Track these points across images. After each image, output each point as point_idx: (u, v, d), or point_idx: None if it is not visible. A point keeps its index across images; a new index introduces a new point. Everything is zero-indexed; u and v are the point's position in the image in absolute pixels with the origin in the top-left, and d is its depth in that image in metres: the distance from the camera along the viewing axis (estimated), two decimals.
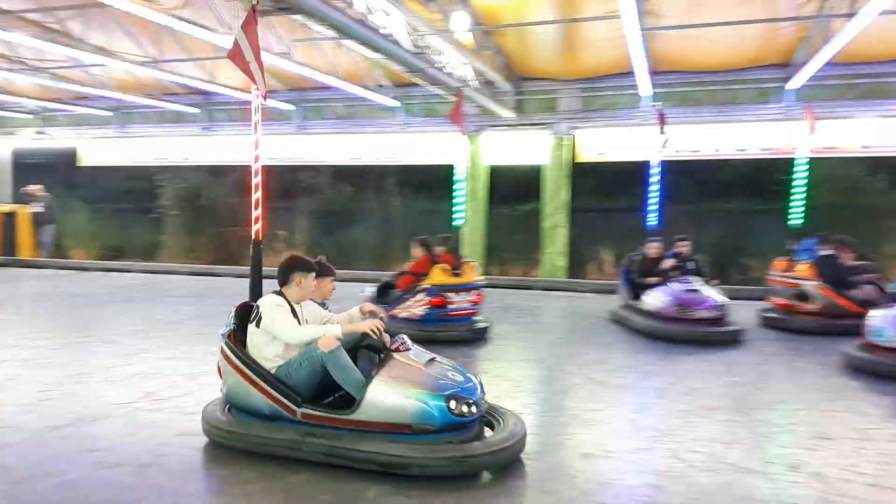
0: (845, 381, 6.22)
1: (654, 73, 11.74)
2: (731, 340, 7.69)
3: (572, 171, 13.62)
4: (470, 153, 13.82)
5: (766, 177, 13.27)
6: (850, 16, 7.67)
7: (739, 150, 12.55)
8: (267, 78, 13.65)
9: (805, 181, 9.71)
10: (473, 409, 3.92)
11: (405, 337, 4.34)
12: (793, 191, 9.76)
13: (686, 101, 12.33)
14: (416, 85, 10.96)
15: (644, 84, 10.95)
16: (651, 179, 9.71)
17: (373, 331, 4.16)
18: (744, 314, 9.19)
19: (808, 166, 9.74)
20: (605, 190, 20.23)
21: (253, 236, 4.95)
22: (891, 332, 6.37)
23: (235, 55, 4.74)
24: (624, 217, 17.10)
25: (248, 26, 4.73)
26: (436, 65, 9.84)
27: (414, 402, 3.83)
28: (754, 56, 11.38)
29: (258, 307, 4.20)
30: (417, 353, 4.24)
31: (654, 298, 8.20)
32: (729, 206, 15.45)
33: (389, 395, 3.87)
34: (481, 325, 7.99)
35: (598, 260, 14.64)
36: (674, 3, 9.41)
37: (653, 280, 8.55)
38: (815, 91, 11.64)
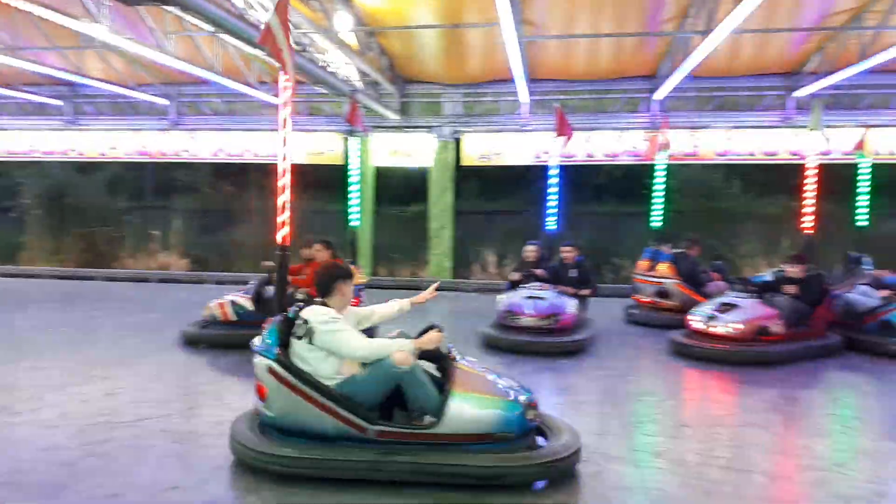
0: (700, 372, 6.75)
1: (533, 80, 12.18)
2: (555, 352, 7.12)
3: (457, 173, 13.87)
4: (356, 153, 13.73)
5: (635, 181, 14.14)
6: (706, 33, 8.32)
7: (610, 156, 13.25)
8: (138, 70, 12.99)
9: (663, 186, 10.45)
10: (537, 412, 4.03)
11: (452, 345, 4.32)
12: (653, 195, 10.45)
13: (562, 108, 12.88)
14: (299, 82, 10.77)
15: (523, 91, 11.35)
16: (550, 181, 9.66)
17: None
18: (614, 311, 9.75)
19: (665, 173, 10.48)
20: (488, 193, 20.81)
21: (279, 242, 4.56)
22: (702, 313, 7.41)
23: (266, 39, 4.41)
24: (506, 219, 17.69)
25: (281, 11, 4.43)
26: (319, 63, 9.73)
27: (495, 411, 3.82)
28: (623, 67, 12.08)
29: (307, 322, 3.87)
30: (469, 361, 4.24)
31: (498, 304, 7.96)
32: (602, 209, 16.35)
33: (469, 407, 3.82)
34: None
35: (482, 261, 15.01)
36: (550, 13, 9.81)
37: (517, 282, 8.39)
38: (678, 102, 12.53)
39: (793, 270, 7.70)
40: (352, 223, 9.61)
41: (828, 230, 13.05)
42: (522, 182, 19.98)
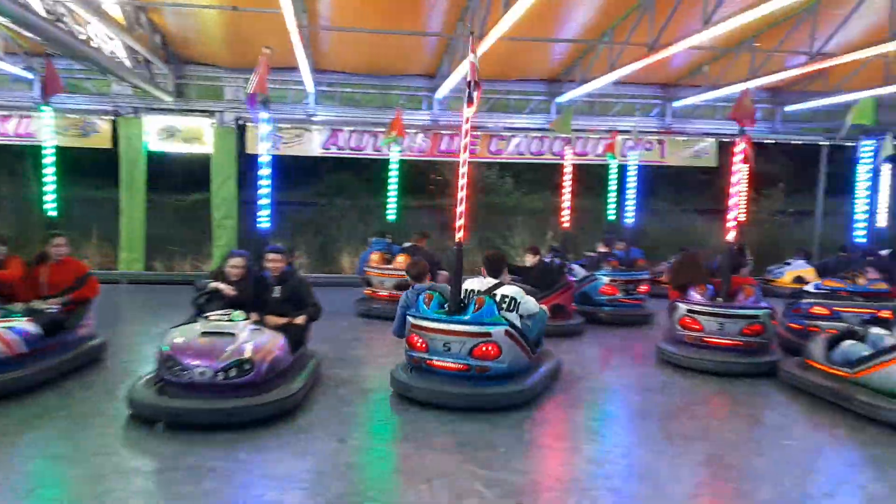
0: None
1: (320, 71, 12.11)
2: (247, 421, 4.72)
3: (242, 162, 13.33)
4: (126, 137, 12.64)
5: (424, 177, 14.68)
6: (480, 37, 8.84)
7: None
8: None
9: (396, 182, 10.99)
10: None
11: None
12: (388, 190, 10.92)
13: (347, 101, 12.95)
14: (53, 55, 9.61)
15: (308, 81, 11.23)
16: (260, 173, 8.33)
17: None
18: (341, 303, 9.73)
19: (398, 167, 11.04)
20: (278, 183, 20.23)
21: (457, 240, 5.81)
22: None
23: (474, 77, 5.65)
24: (297, 210, 17.44)
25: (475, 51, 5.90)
26: (79, 36, 8.78)
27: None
28: (407, 65, 12.41)
29: (514, 297, 5.75)
30: None
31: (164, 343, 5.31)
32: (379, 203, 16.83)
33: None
34: None
35: None
36: (335, 4, 9.77)
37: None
38: (458, 102, 13.15)
39: (530, 259, 9.00)
40: (49, 211, 8.07)
41: (587, 223, 14.70)
42: (314, 173, 19.80)
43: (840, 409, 5.48)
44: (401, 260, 9.37)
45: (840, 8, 9.33)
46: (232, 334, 5.06)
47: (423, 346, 5.48)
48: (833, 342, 6.12)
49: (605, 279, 9.62)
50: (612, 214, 11.90)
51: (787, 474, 4.27)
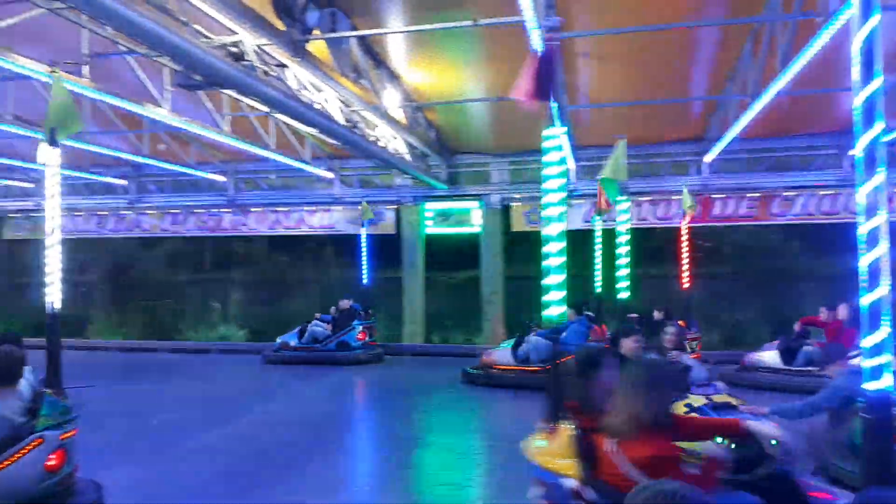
0: None
1: (578, 147, 12.25)
2: None
3: (507, 239, 13.89)
4: (407, 223, 13.97)
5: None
6: (755, 95, 8.22)
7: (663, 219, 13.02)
8: (198, 149, 13.53)
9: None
10: None
11: None
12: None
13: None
14: (348, 157, 11.08)
15: (569, 158, 11.39)
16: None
17: None
18: None
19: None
20: (539, 257, 20.58)
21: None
22: None
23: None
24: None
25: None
26: (369, 138, 10.01)
27: None
28: (669, 131, 11.94)
29: None
30: None
31: None
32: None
33: None
34: None
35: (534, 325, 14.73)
36: (593, 80, 9.84)
37: None
38: (728, 164, 12.29)
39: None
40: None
41: None
42: (575, 246, 19.86)
43: None
44: None
45: None
46: None
47: None
48: None
49: (360, 327, 12.12)
50: None
51: None
